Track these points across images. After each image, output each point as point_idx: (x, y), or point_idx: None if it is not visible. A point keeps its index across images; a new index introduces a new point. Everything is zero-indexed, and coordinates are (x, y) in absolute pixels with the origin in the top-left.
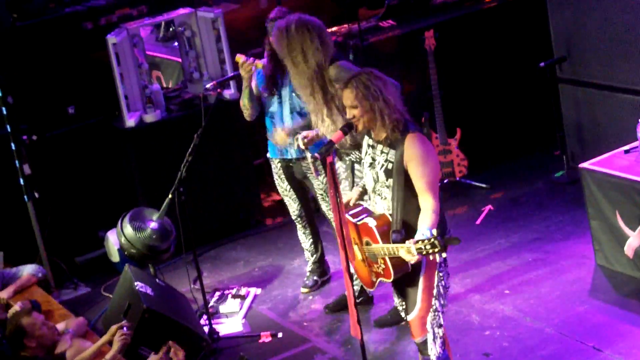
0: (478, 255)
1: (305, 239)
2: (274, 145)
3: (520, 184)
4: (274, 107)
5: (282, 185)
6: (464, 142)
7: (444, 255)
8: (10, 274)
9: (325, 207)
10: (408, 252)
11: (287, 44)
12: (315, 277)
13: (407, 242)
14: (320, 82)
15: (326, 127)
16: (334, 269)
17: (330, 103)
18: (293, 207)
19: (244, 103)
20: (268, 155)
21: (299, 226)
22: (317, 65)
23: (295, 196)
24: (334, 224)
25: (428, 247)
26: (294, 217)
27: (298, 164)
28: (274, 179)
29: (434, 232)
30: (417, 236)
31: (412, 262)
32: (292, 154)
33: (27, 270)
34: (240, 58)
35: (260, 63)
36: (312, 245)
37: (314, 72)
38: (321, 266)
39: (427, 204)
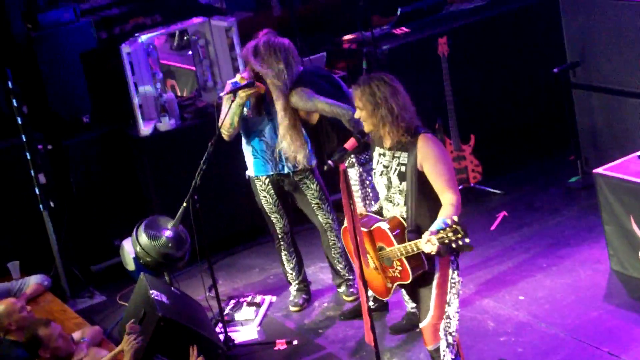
0: (492, 261)
1: (289, 259)
2: (264, 161)
3: (534, 189)
4: (263, 125)
5: (271, 202)
6: (478, 148)
7: (467, 240)
8: (16, 286)
9: (322, 215)
10: (428, 242)
11: (260, 62)
12: (303, 295)
13: (425, 234)
14: (287, 102)
15: (287, 146)
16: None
17: (294, 122)
18: (281, 223)
19: (233, 121)
20: (250, 174)
21: (283, 245)
22: (283, 85)
23: (283, 211)
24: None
25: (450, 234)
26: (280, 235)
27: (293, 176)
28: (260, 198)
29: (455, 218)
30: (432, 227)
31: (434, 252)
32: (289, 167)
33: (34, 280)
34: (243, 80)
35: (263, 88)
36: (297, 266)
37: (283, 92)
38: (306, 283)
39: (447, 199)
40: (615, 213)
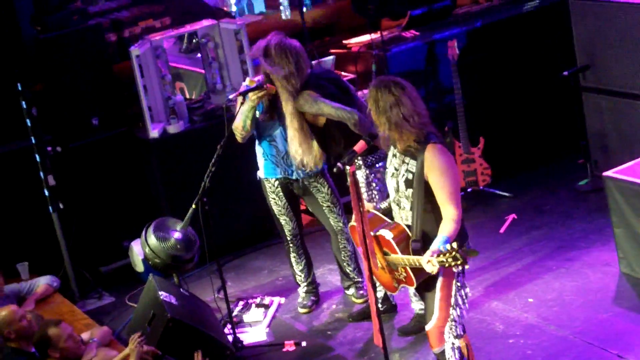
0: (502, 263)
1: (298, 261)
2: (274, 165)
3: (543, 192)
4: (274, 130)
5: (280, 204)
6: (487, 151)
7: (466, 267)
8: (25, 287)
9: (334, 218)
10: (429, 263)
11: (270, 63)
12: (312, 297)
13: (427, 253)
14: (296, 105)
15: (294, 148)
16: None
17: (302, 125)
18: (290, 225)
19: (245, 124)
20: (260, 175)
21: (292, 247)
22: (293, 88)
23: (292, 214)
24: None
25: (450, 259)
26: (289, 237)
27: (302, 181)
28: (269, 199)
29: (454, 245)
30: (433, 245)
31: (434, 272)
32: (299, 174)
33: (43, 281)
34: (253, 82)
35: (273, 88)
36: (306, 267)
37: (291, 94)
38: (314, 285)
39: (448, 213)
40: (624, 216)
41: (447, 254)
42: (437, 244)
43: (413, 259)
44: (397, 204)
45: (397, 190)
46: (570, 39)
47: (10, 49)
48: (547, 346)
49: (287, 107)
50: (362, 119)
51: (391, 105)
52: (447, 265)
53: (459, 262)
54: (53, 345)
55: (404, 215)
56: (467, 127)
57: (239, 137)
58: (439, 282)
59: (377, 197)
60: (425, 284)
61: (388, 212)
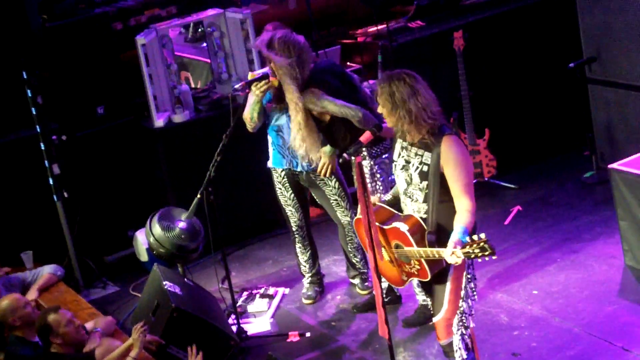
0: (506, 255)
1: (304, 251)
2: (281, 155)
3: (549, 184)
4: (281, 120)
5: (286, 195)
6: (493, 142)
7: (494, 257)
8: (29, 276)
9: (341, 212)
10: (453, 255)
11: (273, 55)
12: (316, 288)
13: (449, 244)
14: (299, 98)
15: (298, 144)
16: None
17: (306, 120)
18: (295, 216)
19: (252, 116)
20: (270, 165)
21: (298, 238)
22: (295, 82)
23: (298, 205)
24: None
25: (477, 250)
26: (295, 228)
27: (307, 174)
28: (276, 189)
29: (482, 235)
30: (453, 236)
31: (458, 264)
32: (303, 167)
33: (47, 270)
34: (254, 76)
35: (276, 80)
36: (311, 258)
37: (294, 86)
38: (319, 276)
39: (463, 205)
40: (630, 208)
41: (474, 245)
42: (456, 235)
43: (432, 250)
44: (410, 197)
45: (410, 183)
46: (577, 31)
47: (17, 37)
48: (551, 338)
49: (289, 97)
50: (367, 115)
51: (409, 96)
52: (473, 256)
53: (486, 253)
54: (54, 331)
55: (415, 208)
56: (472, 118)
57: (249, 127)
58: (450, 274)
59: (380, 188)
60: (435, 276)
61: (393, 204)
